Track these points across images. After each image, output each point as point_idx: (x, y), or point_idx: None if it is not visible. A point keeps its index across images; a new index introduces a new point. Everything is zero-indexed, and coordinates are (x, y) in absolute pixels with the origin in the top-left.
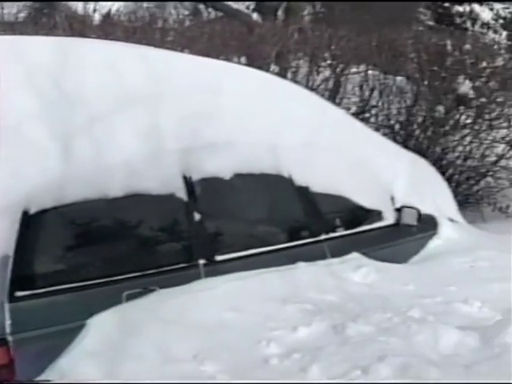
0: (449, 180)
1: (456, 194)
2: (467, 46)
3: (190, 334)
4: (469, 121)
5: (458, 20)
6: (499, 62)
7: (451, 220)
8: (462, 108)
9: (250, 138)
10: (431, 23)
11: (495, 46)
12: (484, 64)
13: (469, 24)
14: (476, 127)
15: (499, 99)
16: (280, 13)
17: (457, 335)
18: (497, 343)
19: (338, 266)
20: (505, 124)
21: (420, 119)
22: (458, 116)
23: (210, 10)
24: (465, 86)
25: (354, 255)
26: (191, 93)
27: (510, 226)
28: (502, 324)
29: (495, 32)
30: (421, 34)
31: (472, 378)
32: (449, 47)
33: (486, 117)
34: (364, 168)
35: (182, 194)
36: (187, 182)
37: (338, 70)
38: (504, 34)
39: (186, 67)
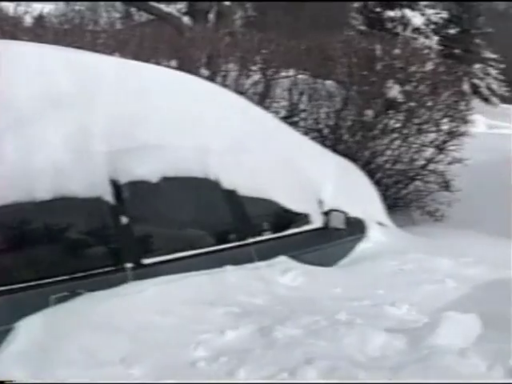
0: (378, 184)
1: (385, 197)
2: (397, 51)
3: (117, 338)
4: (398, 125)
5: (389, 25)
6: (429, 66)
7: (380, 223)
8: (391, 112)
9: (179, 142)
10: (363, 28)
11: (426, 51)
12: (413, 68)
13: (400, 29)
14: (405, 131)
15: (428, 104)
16: (211, 16)
17: (384, 338)
18: (424, 345)
19: (265, 269)
20: (433, 128)
21: (349, 123)
22: (386, 120)
23: (142, 13)
24: (394, 91)
25: (282, 258)
26: (120, 96)
27: (438, 230)
28: (429, 326)
29: (426, 37)
30: (351, 39)
31: (399, 380)
32: (378, 52)
33: (415, 121)
34: (292, 172)
35: (109, 197)
36: (114, 184)
37: (268, 74)
38: (435, 38)
39: (114, 70)
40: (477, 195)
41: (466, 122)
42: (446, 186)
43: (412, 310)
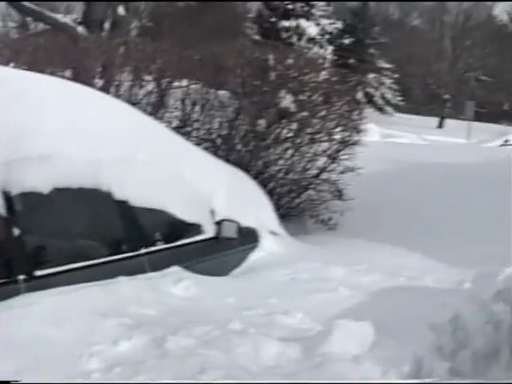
0: (271, 193)
1: (278, 206)
2: (290, 61)
3: (10, 351)
4: (290, 134)
5: (284, 35)
6: (323, 76)
7: (272, 232)
8: (283, 122)
9: (71, 152)
10: (258, 38)
11: (320, 61)
12: (307, 78)
13: (295, 39)
14: (298, 141)
15: (321, 113)
16: (106, 26)
17: (278, 346)
18: (318, 353)
19: (158, 279)
20: (326, 138)
21: (242, 133)
22: (279, 130)
23: (38, 23)
24: (287, 100)
25: (175, 269)
26: (10, 106)
27: (331, 238)
28: (322, 334)
29: (321, 47)
30: (244, 49)
31: None
32: (271, 61)
33: (308, 130)
34: (183, 182)
35: (0, 208)
36: (6, 196)
37: (162, 83)
38: (330, 48)
39: (4, 80)
40: (369, 204)
41: (358, 131)
42: (338, 195)
43: (305, 319)
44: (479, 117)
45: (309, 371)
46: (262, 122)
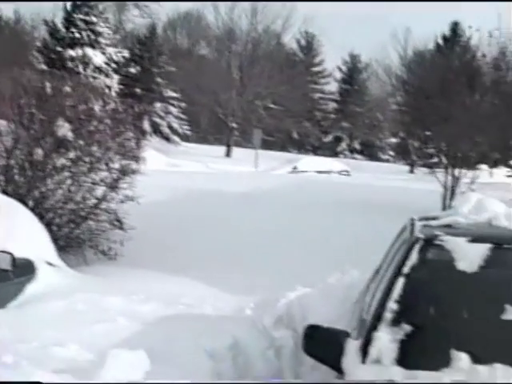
0: (49, 224)
1: (57, 237)
2: (67, 89)
3: None
4: (69, 164)
5: (70, 64)
6: (103, 104)
7: (50, 264)
8: (61, 151)
9: None
10: (43, 67)
11: (104, 90)
12: (85, 107)
13: (81, 68)
14: (76, 170)
15: (100, 142)
16: None
17: (52, 379)
18: None
19: None
20: (104, 166)
21: (20, 163)
22: (57, 159)
23: None
24: (64, 129)
25: None
26: None
27: (111, 269)
28: (96, 365)
29: (107, 76)
30: (21, 77)
31: None
32: (49, 90)
33: (86, 159)
34: None
35: None
36: None
37: None
38: (116, 77)
39: None
40: (150, 233)
41: (138, 160)
42: (118, 224)
43: (81, 350)
44: (268, 145)
45: None
46: (39, 151)
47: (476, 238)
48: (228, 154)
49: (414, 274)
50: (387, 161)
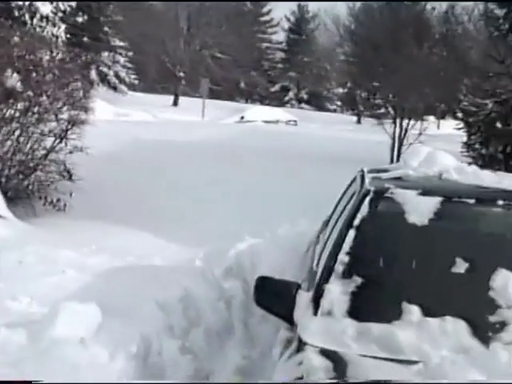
0: None
1: (7, 189)
2: (16, 39)
3: None
4: (17, 114)
5: (17, 13)
6: (52, 54)
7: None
8: (10, 102)
9: None
10: None
11: (52, 39)
12: (33, 57)
13: (28, 17)
14: (24, 121)
15: (48, 92)
16: None
17: (4, 333)
18: (44, 338)
19: None
20: (53, 117)
21: None
22: (5, 110)
23: None
24: (12, 80)
25: None
26: None
27: (61, 220)
28: (49, 318)
29: (54, 25)
30: None
31: (19, 376)
32: None
33: (35, 110)
34: None
35: None
36: None
37: None
38: (63, 27)
39: None
40: (100, 184)
41: (86, 110)
42: (67, 175)
43: (33, 303)
44: (215, 94)
45: (35, 357)
46: None
47: (426, 191)
48: (175, 104)
49: (364, 226)
50: (335, 111)
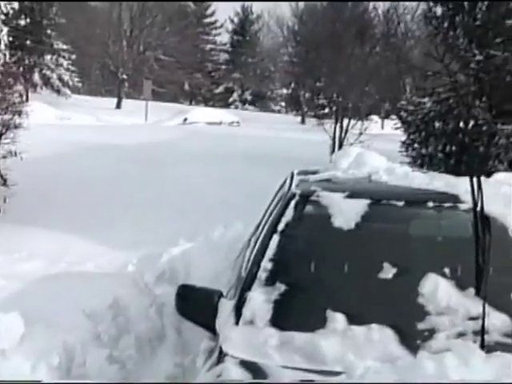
0: None
1: None
2: None
3: None
4: None
5: None
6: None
7: None
8: None
9: None
10: None
11: None
12: None
13: None
14: None
15: None
16: None
17: None
18: None
19: None
20: None
21: None
22: None
23: None
24: None
25: None
26: None
27: None
28: None
29: None
30: None
31: None
32: None
33: None
34: None
35: None
36: None
37: None
38: (5, 30)
39: None
40: (35, 189)
41: (20, 113)
42: (0, 180)
43: None
44: (159, 97)
45: None
46: None
47: (353, 194)
48: (119, 106)
49: (289, 231)
50: (279, 112)
